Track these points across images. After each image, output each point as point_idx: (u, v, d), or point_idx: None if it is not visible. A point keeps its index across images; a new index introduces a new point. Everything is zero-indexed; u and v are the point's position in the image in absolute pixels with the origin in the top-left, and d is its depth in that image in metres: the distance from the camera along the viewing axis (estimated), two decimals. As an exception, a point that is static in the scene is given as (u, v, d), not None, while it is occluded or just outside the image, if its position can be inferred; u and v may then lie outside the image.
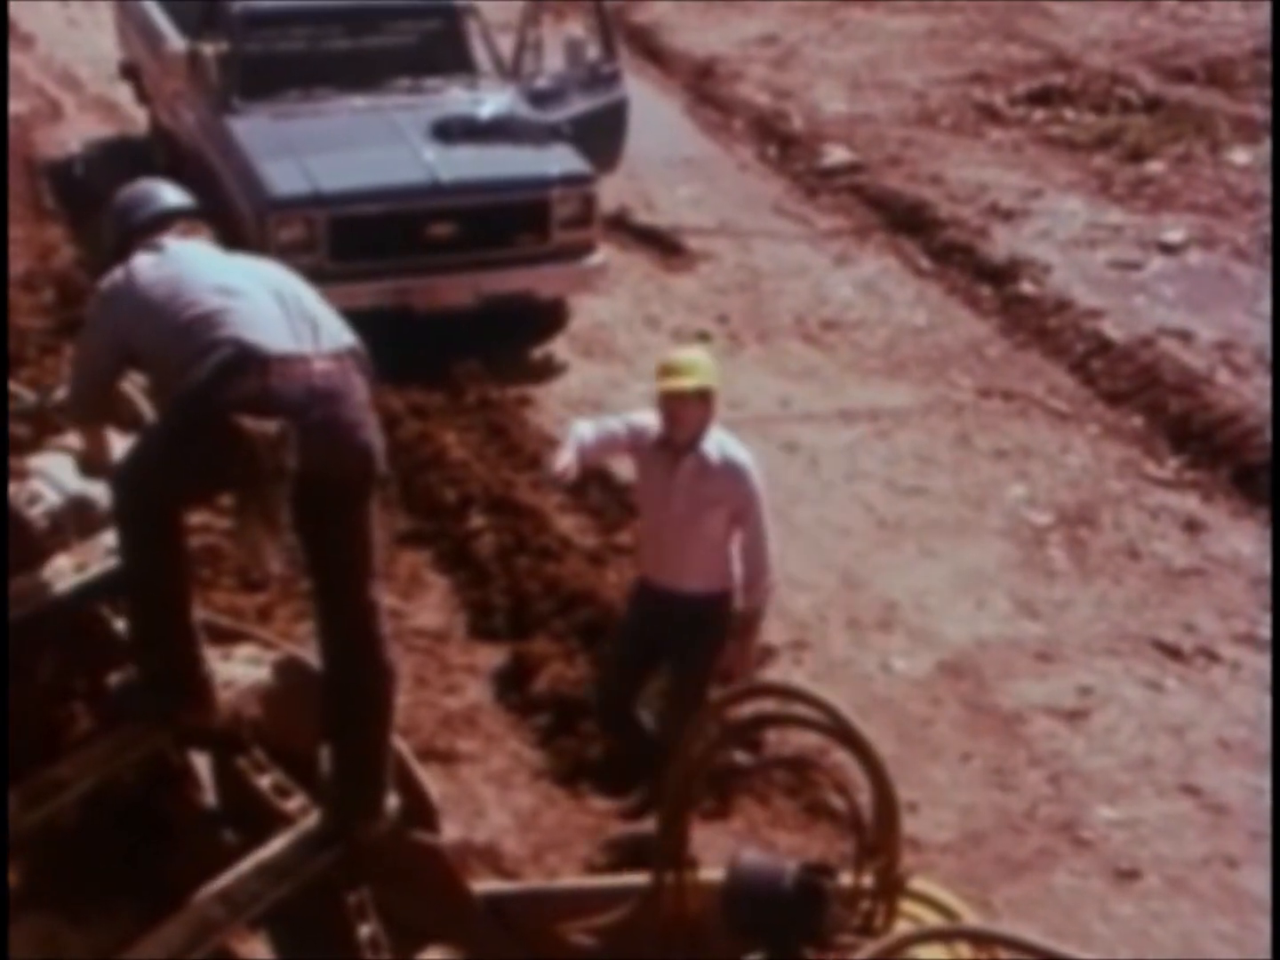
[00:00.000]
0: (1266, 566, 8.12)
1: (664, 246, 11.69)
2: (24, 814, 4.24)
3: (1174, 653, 7.59)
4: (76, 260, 10.56)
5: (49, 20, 15.64)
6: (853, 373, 10.14)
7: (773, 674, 7.23)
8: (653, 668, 6.30)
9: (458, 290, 9.82)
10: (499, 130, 10.15)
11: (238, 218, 9.86)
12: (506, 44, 11.07)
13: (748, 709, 4.26)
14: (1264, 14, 14.67)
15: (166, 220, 4.72)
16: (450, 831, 5.35)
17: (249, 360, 4.20)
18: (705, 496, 5.88)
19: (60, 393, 4.93)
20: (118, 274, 4.52)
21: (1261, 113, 13.12)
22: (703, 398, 5.85)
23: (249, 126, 10.17)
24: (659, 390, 5.88)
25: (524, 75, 10.82)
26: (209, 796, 4.76)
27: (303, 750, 4.62)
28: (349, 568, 4.51)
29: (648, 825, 5.68)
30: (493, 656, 7.34)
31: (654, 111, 13.34)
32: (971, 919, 4.07)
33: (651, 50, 15.57)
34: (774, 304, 10.98)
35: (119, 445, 4.75)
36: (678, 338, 10.46)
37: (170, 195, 4.83)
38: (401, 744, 4.84)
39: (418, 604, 7.73)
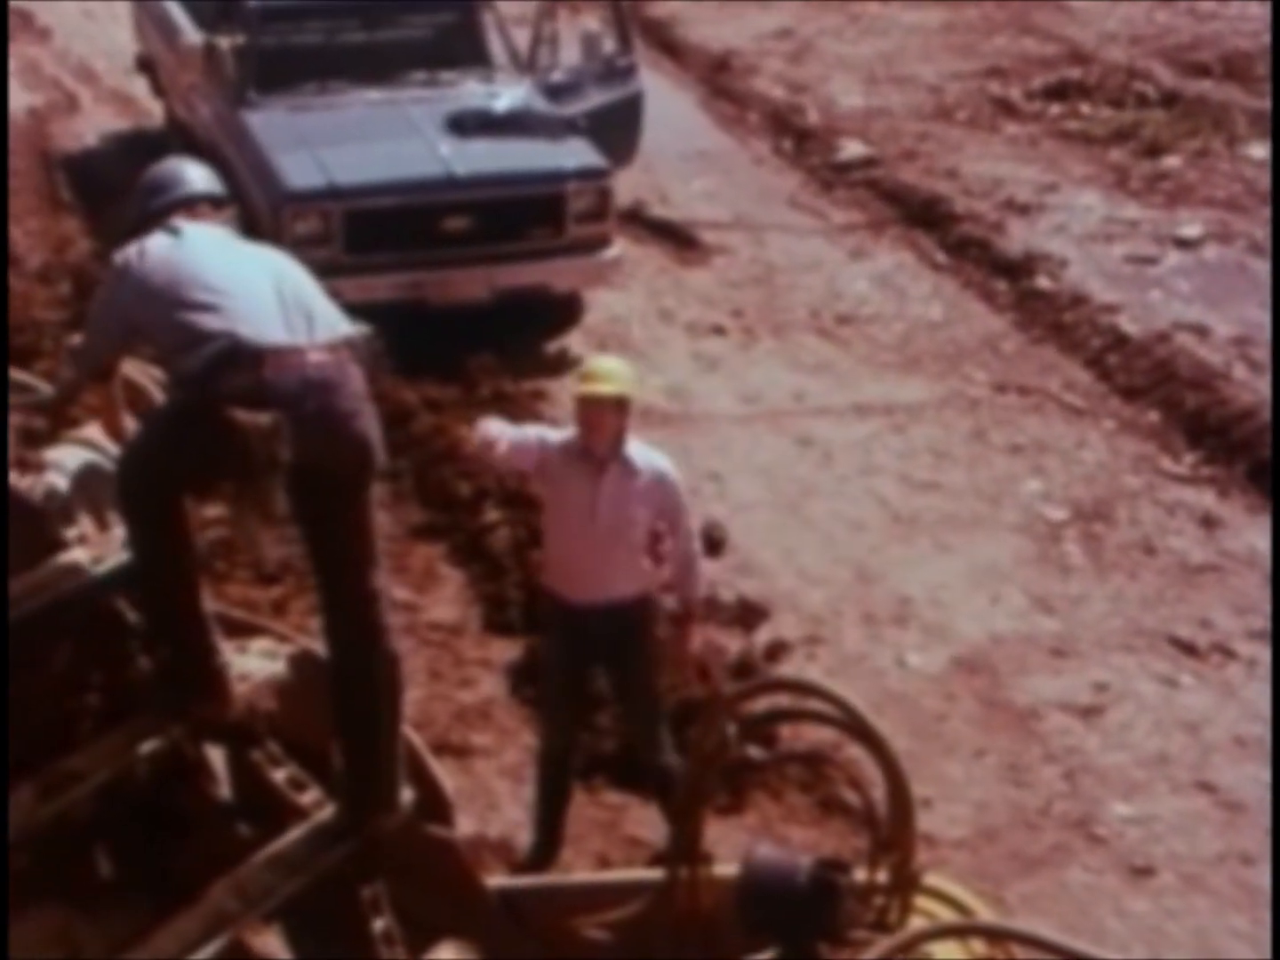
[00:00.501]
0: (1282, 562, 8.11)
1: (679, 240, 11.67)
2: (39, 806, 4.25)
3: (1189, 649, 7.57)
4: (92, 253, 10.56)
5: (66, 13, 15.66)
6: (867, 367, 10.12)
7: (787, 669, 7.23)
8: (585, 702, 6.26)
9: (472, 284, 9.82)
10: (514, 124, 10.15)
11: (253, 211, 9.86)
12: (522, 37, 11.07)
13: (762, 704, 4.26)
14: (1282, 8, 14.61)
15: (188, 205, 4.73)
16: (464, 826, 5.35)
17: (242, 353, 4.22)
18: (630, 504, 5.87)
19: (76, 340, 5.01)
20: (130, 251, 4.55)
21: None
22: (620, 405, 5.83)
23: (264, 120, 10.18)
24: (577, 395, 5.89)
25: (539, 69, 10.81)
26: (224, 790, 4.75)
27: (317, 744, 4.62)
28: (349, 557, 4.51)
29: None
30: (507, 650, 7.34)
31: (669, 105, 13.32)
32: (985, 915, 4.06)
33: (667, 44, 15.55)
34: (789, 298, 10.97)
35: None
36: (692, 331, 10.47)
37: (196, 180, 4.83)
38: (415, 738, 4.84)
39: (432, 598, 7.73)
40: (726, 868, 4.08)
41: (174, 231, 4.58)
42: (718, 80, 14.81)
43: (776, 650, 7.45)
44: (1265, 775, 6.77)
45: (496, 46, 11.03)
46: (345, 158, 9.80)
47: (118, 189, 11.15)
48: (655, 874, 4.42)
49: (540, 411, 9.24)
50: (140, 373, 4.96)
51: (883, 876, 3.88)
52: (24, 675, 4.44)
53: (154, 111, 12.90)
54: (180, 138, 11.82)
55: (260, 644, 4.88)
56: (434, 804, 4.71)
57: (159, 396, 4.88)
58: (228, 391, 4.18)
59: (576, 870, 6.04)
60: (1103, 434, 9.41)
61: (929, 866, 4.09)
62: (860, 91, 14.26)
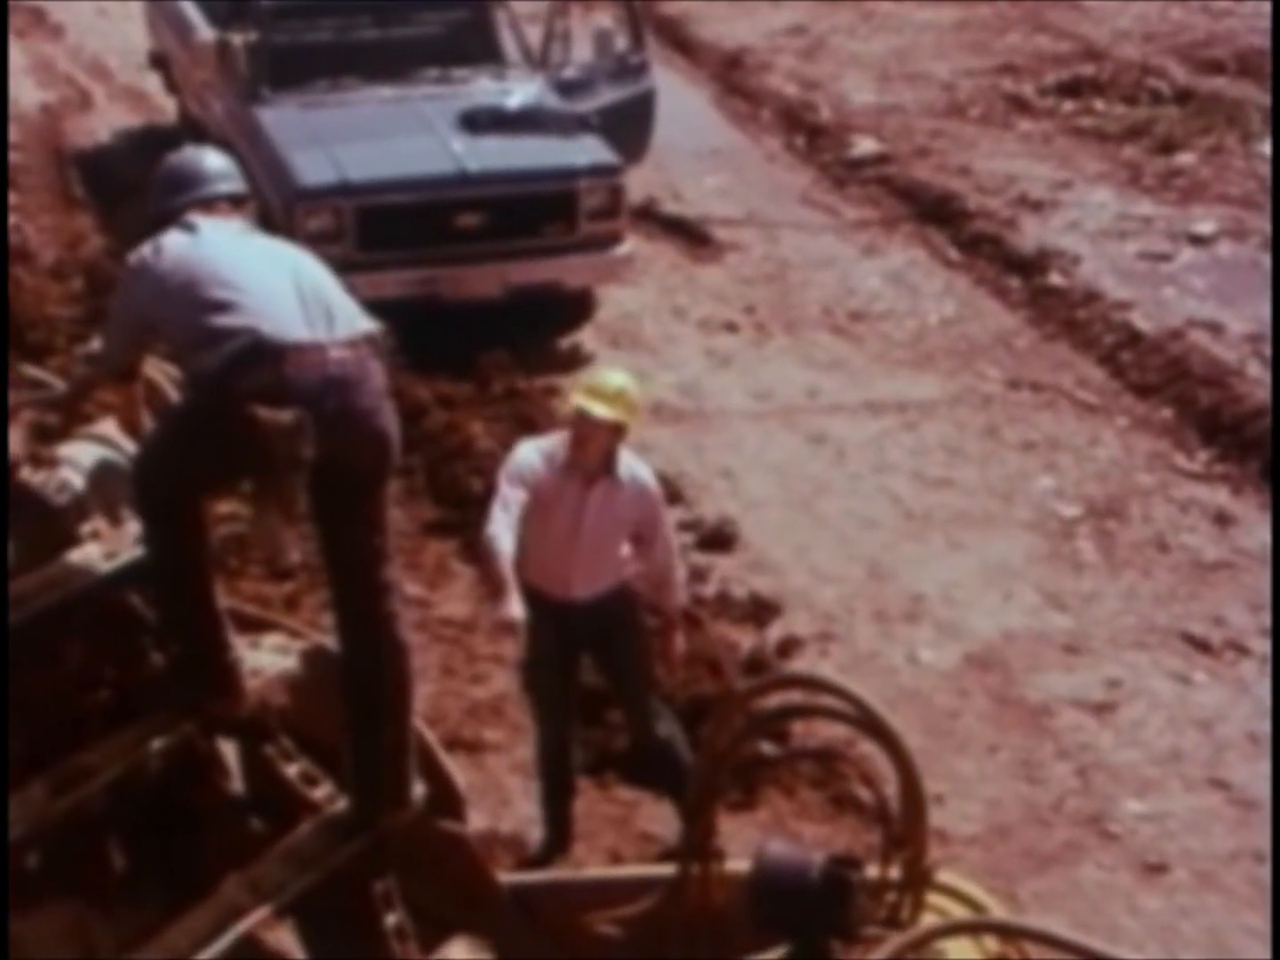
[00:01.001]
0: (1297, 560, 8.09)
1: (691, 237, 11.67)
2: (51, 802, 4.25)
3: (1203, 646, 7.56)
4: (105, 249, 10.59)
5: (79, 10, 15.69)
6: (880, 364, 10.11)
7: (799, 665, 7.23)
8: (577, 692, 6.23)
9: (485, 280, 9.82)
10: (527, 121, 10.15)
11: (266, 207, 9.87)
12: (535, 34, 11.07)
13: (774, 700, 4.25)
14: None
15: (206, 204, 4.70)
16: (476, 821, 5.35)
17: (264, 350, 4.21)
18: (616, 518, 5.87)
19: (94, 344, 5.00)
20: (146, 250, 4.53)
21: (1293, 104, 13.04)
22: (615, 430, 5.78)
23: (277, 116, 10.19)
24: (575, 406, 5.79)
25: (552, 66, 10.81)
26: (236, 785, 4.76)
27: (330, 739, 4.63)
28: (362, 550, 4.52)
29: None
30: (518, 647, 7.33)
31: (682, 102, 13.32)
32: (998, 912, 4.05)
33: (679, 41, 15.55)
34: (801, 295, 10.96)
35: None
36: (704, 328, 10.47)
37: (215, 176, 4.79)
38: (427, 733, 4.84)
39: (444, 594, 7.74)
40: (738, 864, 4.08)
41: (190, 228, 4.56)
42: (730, 77, 14.80)
43: (789, 646, 7.45)
44: (1278, 773, 6.76)
45: (509, 43, 11.04)
46: (358, 154, 9.81)
47: (130, 185, 11.22)
48: (667, 870, 4.42)
49: (552, 409, 9.24)
50: (156, 370, 4.95)
51: (895, 873, 3.87)
52: (37, 671, 4.45)
53: (167, 108, 12.92)
54: (193, 134, 11.82)
55: (273, 639, 4.89)
56: (446, 799, 4.72)
57: (175, 394, 4.88)
58: (249, 389, 4.17)
59: (588, 866, 6.04)
60: (1116, 431, 9.39)
61: (941, 863, 4.08)
62: (873, 88, 14.25)
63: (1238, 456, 9.01)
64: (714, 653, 7.12)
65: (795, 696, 4.30)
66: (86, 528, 4.72)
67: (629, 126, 10.62)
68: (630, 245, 10.32)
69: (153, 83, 13.23)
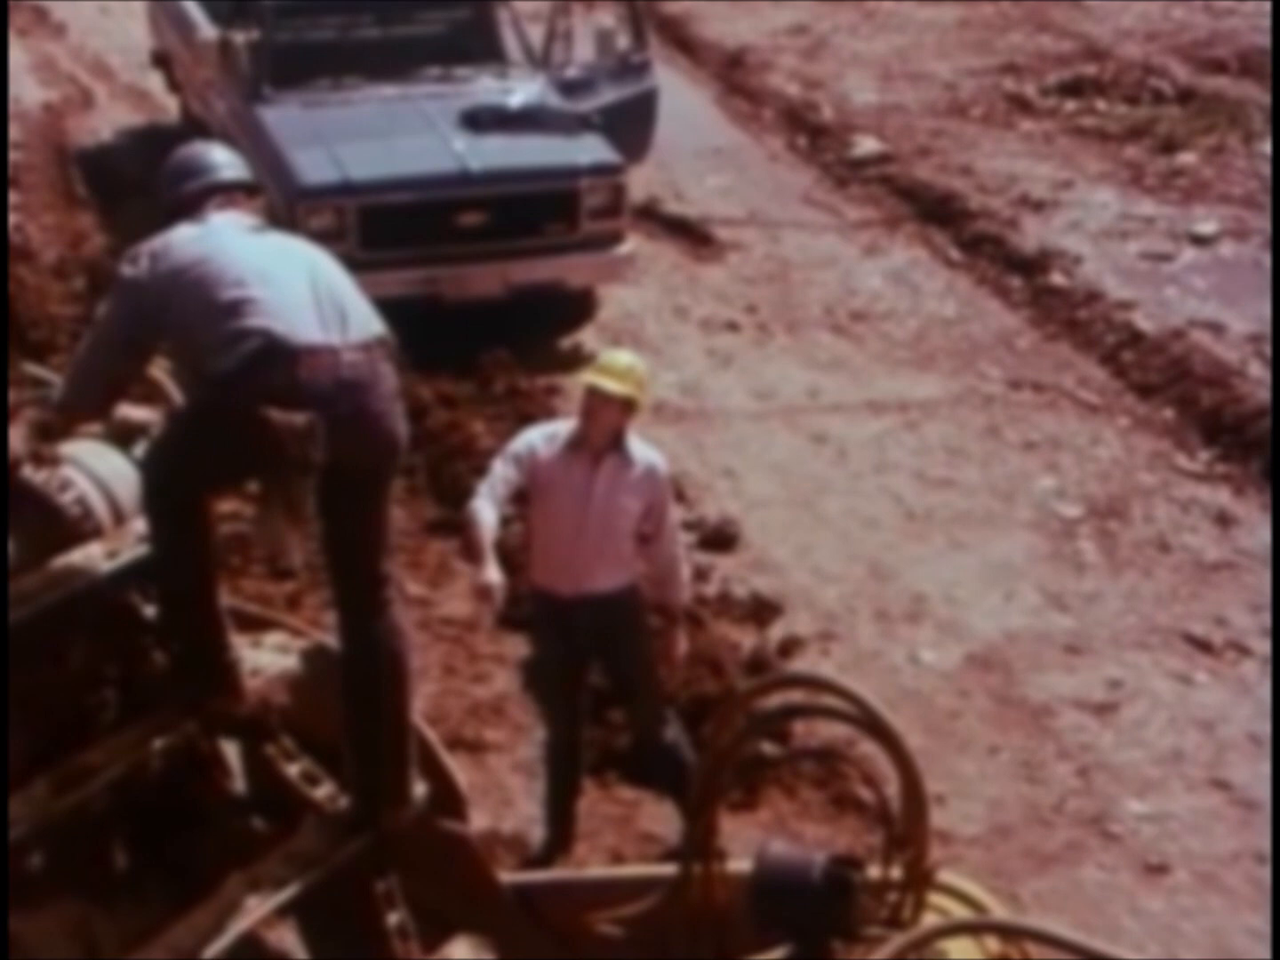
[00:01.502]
0: (1298, 560, 8.09)
1: (693, 236, 11.67)
2: (55, 800, 4.25)
3: (1204, 646, 7.56)
4: (107, 248, 10.59)
5: (81, 9, 15.69)
6: (882, 364, 10.11)
7: (800, 665, 7.23)
8: (585, 694, 6.23)
9: (486, 279, 9.82)
10: (529, 120, 10.15)
11: (268, 206, 9.87)
12: (537, 34, 11.07)
13: (775, 700, 4.25)
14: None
15: (225, 190, 4.68)
16: (477, 820, 5.35)
17: (277, 352, 4.19)
18: (623, 494, 5.87)
19: (56, 390, 4.73)
20: (155, 243, 4.49)
21: (1295, 104, 13.04)
22: (625, 406, 5.82)
23: (279, 115, 10.19)
24: (585, 383, 5.86)
25: (554, 65, 10.81)
26: (238, 784, 4.77)
27: (331, 738, 4.63)
28: (364, 545, 4.54)
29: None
30: (520, 646, 7.34)
31: (684, 101, 13.32)
32: (999, 912, 4.05)
33: (681, 40, 15.55)
34: (803, 294, 10.96)
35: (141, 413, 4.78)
36: (706, 327, 10.47)
37: (226, 166, 4.76)
38: (429, 732, 4.84)
39: (445, 593, 7.74)
40: (740, 864, 4.08)
41: (200, 221, 4.53)
42: (732, 77, 14.80)
43: (790, 646, 7.45)
44: (1279, 773, 6.76)
45: (511, 43, 11.04)
46: (360, 153, 9.81)
47: (133, 184, 11.24)
48: (669, 870, 4.42)
49: (554, 408, 9.25)
50: (158, 369, 4.94)
51: (896, 873, 3.87)
52: (39, 669, 4.45)
53: (169, 107, 12.93)
54: (195, 133, 11.84)
55: (274, 638, 4.89)
56: (447, 799, 4.72)
57: (177, 394, 4.86)
58: (262, 390, 4.16)
59: (590, 865, 6.04)
60: (1117, 431, 9.39)
61: (943, 863, 4.08)
62: (875, 88, 14.25)
63: (1239, 457, 9.01)
64: (715, 652, 7.12)
65: (796, 696, 4.30)
66: (88, 526, 4.72)
67: (631, 126, 10.62)
68: (632, 244, 10.32)
69: (155, 82, 13.23)
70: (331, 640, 4.82)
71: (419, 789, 4.61)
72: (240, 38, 10.55)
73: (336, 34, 11.05)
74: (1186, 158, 12.60)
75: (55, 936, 4.33)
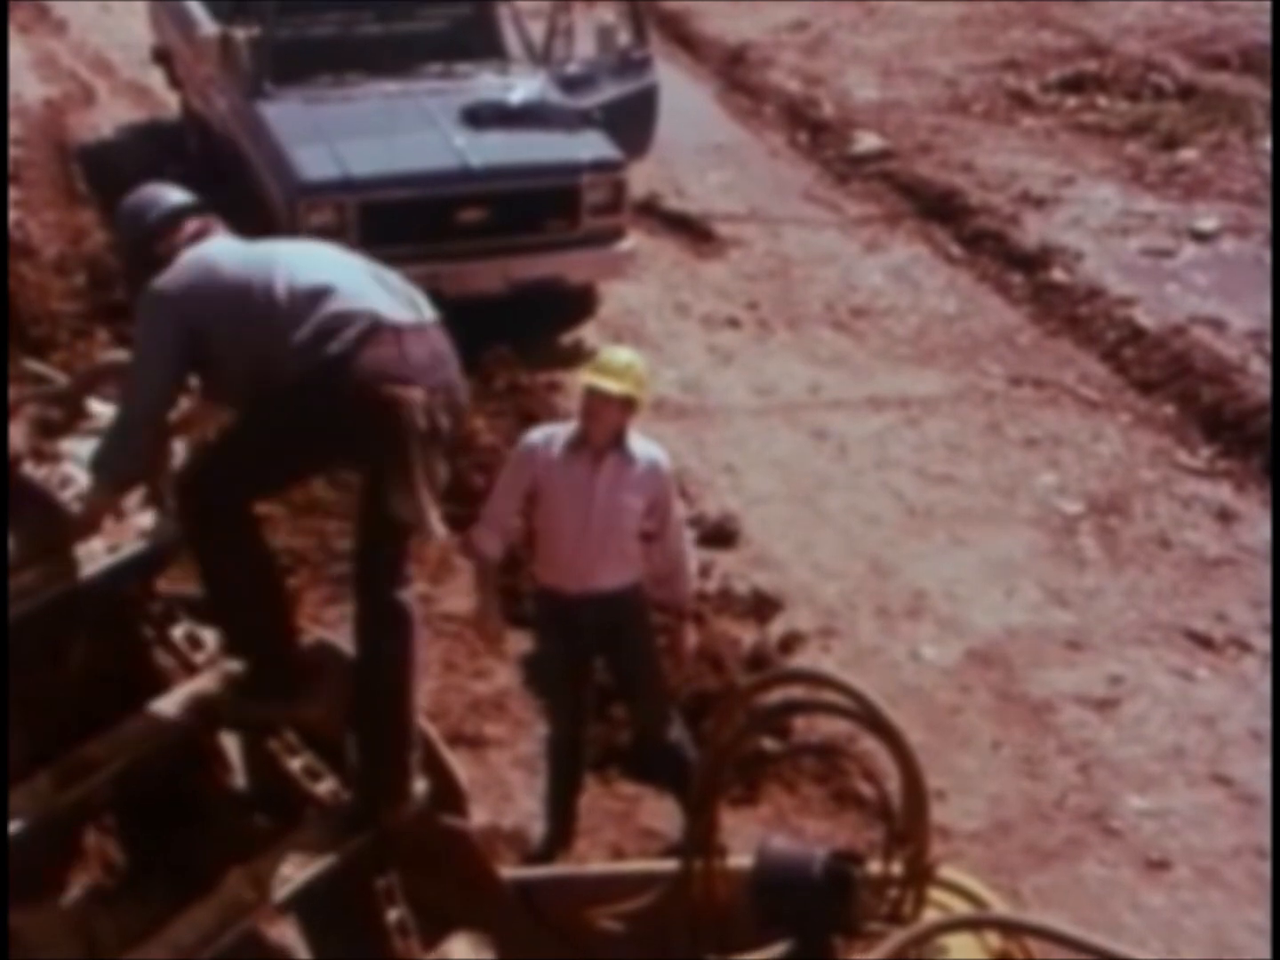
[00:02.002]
0: (1299, 556, 8.09)
1: (694, 233, 11.67)
2: (56, 795, 4.26)
3: (1205, 642, 7.56)
4: (108, 244, 10.58)
5: (82, 5, 15.69)
6: (883, 360, 10.11)
7: (801, 661, 7.23)
8: (590, 691, 6.22)
9: (487, 276, 9.81)
10: (529, 116, 10.14)
11: (268, 202, 9.88)
12: (537, 30, 11.06)
13: (776, 696, 4.26)
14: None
15: (188, 215, 4.71)
16: (478, 816, 5.36)
17: (384, 329, 4.35)
18: (626, 491, 5.86)
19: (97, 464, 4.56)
20: (182, 272, 4.49)
21: (1297, 100, 13.03)
22: (625, 404, 5.80)
23: (280, 111, 10.19)
24: (584, 384, 5.85)
25: (555, 61, 10.80)
26: (240, 779, 4.77)
27: (333, 733, 4.63)
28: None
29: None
30: (521, 641, 7.33)
31: (685, 97, 13.31)
32: (1000, 908, 4.05)
33: (682, 36, 15.54)
34: (804, 291, 10.96)
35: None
36: (707, 324, 10.46)
37: (177, 193, 4.83)
38: (430, 728, 4.84)
39: (447, 589, 7.74)
40: (740, 859, 4.08)
41: (218, 243, 4.61)
42: (733, 73, 14.80)
43: (791, 642, 7.45)
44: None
45: (512, 39, 11.03)
46: (360, 150, 9.80)
47: (133, 181, 11.22)
48: (669, 865, 4.42)
49: (555, 404, 9.25)
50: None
51: (897, 869, 3.87)
52: (40, 665, 4.45)
53: (170, 103, 12.93)
54: (196, 130, 11.86)
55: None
56: (448, 794, 4.72)
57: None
58: (377, 369, 4.30)
59: (591, 861, 6.05)
60: (1118, 427, 9.39)
61: (943, 859, 4.08)
62: (876, 84, 14.24)
63: (1240, 453, 9.01)
64: (716, 648, 7.12)
65: (797, 692, 4.31)
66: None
67: (632, 122, 10.61)
68: (633, 241, 10.32)
69: (156, 78, 13.22)
70: (333, 636, 4.82)
71: (420, 785, 4.61)
72: (241, 34, 10.54)
73: (337, 30, 11.05)
74: (1188, 154, 12.59)
75: (55, 932, 4.33)
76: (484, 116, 10.10)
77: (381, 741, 4.55)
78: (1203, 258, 11.11)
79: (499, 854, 5.68)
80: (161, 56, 12.81)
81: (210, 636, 4.80)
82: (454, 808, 4.74)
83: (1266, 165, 12.27)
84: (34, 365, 5.64)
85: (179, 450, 4.81)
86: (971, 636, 7.59)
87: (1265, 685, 7.26)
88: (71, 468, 4.69)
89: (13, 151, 11.95)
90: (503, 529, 6.03)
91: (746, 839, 4.67)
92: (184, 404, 4.73)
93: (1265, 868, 6.27)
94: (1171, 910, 6.15)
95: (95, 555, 4.61)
